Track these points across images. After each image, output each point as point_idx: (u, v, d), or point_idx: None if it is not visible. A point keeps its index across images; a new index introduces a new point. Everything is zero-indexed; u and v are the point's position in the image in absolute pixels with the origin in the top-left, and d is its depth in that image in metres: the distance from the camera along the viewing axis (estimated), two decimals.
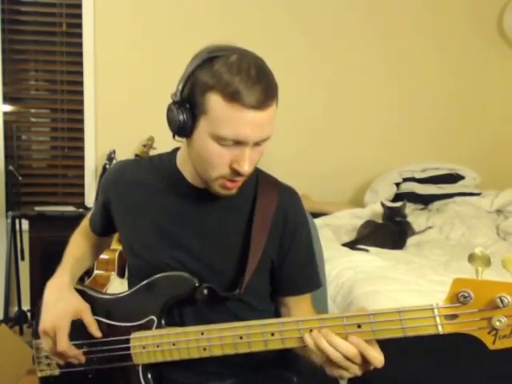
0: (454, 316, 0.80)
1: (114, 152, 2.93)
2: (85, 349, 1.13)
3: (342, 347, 0.85)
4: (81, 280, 1.27)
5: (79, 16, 3.06)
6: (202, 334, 0.98)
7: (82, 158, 3.17)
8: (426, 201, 3.13)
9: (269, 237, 1.08)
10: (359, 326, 0.85)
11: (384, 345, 0.86)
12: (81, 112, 3.13)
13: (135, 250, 1.15)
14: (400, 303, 1.58)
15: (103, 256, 2.57)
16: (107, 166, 2.86)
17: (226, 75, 0.92)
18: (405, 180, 3.19)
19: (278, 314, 1.19)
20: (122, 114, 3.14)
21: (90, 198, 3.10)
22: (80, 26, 3.06)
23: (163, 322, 1.07)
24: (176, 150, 1.16)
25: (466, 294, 0.78)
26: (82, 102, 3.11)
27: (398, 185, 3.18)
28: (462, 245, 2.57)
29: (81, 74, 3.09)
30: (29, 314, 2.95)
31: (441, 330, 0.81)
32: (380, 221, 2.70)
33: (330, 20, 3.27)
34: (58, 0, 3.07)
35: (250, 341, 0.94)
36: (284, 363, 1.17)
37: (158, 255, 1.11)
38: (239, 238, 1.09)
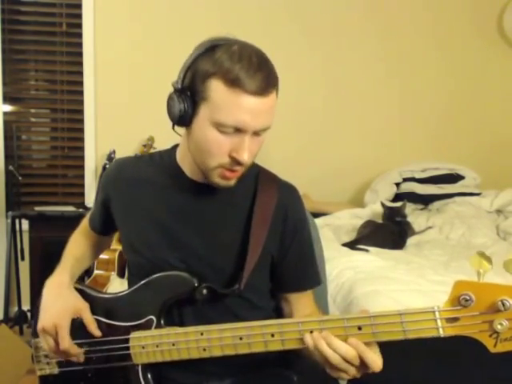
0: (455, 319, 0.80)
1: (113, 152, 2.93)
2: (84, 348, 1.12)
3: (341, 349, 0.85)
4: (81, 280, 1.27)
5: (79, 16, 3.05)
6: (202, 334, 0.98)
7: (82, 158, 3.16)
8: (425, 201, 3.13)
9: (269, 233, 1.08)
10: (360, 328, 0.85)
11: (385, 347, 0.86)
12: (81, 112, 3.13)
13: (136, 248, 1.14)
14: (400, 303, 1.59)
15: (103, 256, 2.57)
16: (107, 166, 2.86)
17: (228, 62, 0.92)
18: (405, 180, 3.19)
19: (278, 311, 1.19)
20: (122, 114, 3.14)
21: (89, 198, 3.10)
22: (80, 26, 3.06)
23: (162, 321, 1.07)
24: (175, 146, 1.16)
25: (468, 297, 0.78)
26: (82, 102, 3.11)
27: (398, 185, 3.18)
28: (462, 245, 2.57)
29: (81, 74, 3.09)
30: (29, 314, 2.94)
31: (442, 333, 0.81)
32: (380, 221, 2.70)
33: (330, 20, 3.26)
34: (58, 0, 3.06)
35: (250, 342, 0.94)
36: (284, 362, 1.17)
37: (160, 253, 1.11)
38: (239, 234, 1.09)
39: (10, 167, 2.89)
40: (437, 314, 0.81)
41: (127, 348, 1.08)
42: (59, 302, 1.11)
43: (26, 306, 2.95)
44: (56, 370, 1.18)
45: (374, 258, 2.16)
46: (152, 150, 2.92)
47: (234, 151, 0.97)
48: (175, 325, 1.07)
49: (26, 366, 2.24)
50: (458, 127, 3.43)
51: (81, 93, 3.11)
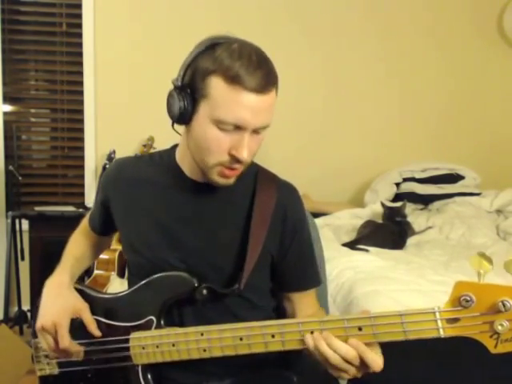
0: (456, 320, 0.80)
1: (113, 152, 2.93)
2: (84, 348, 1.12)
3: (341, 350, 0.85)
4: (81, 280, 1.27)
5: (79, 16, 3.05)
6: (202, 334, 0.98)
7: (82, 158, 3.16)
8: (425, 201, 3.13)
9: (268, 233, 1.08)
10: (360, 329, 0.85)
11: (385, 347, 0.86)
12: (81, 112, 3.13)
13: (136, 248, 1.14)
14: (400, 303, 1.59)
15: (103, 256, 2.57)
16: (107, 166, 2.86)
17: (228, 60, 0.93)
18: (405, 180, 3.19)
19: (278, 311, 1.19)
20: (122, 114, 3.13)
21: (89, 198, 3.09)
22: (80, 26, 3.06)
23: (162, 322, 1.07)
24: (175, 146, 1.16)
25: (468, 298, 0.78)
26: (82, 102, 3.11)
27: (398, 185, 3.17)
28: (462, 245, 2.57)
29: (81, 74, 3.09)
30: (29, 314, 2.94)
31: (442, 334, 0.81)
32: (380, 221, 2.70)
33: (330, 20, 3.26)
34: (58, 0, 3.06)
35: (250, 342, 0.94)
36: (284, 363, 1.17)
37: (160, 253, 1.11)
38: (238, 233, 1.09)
39: (10, 167, 2.89)
40: (437, 314, 0.81)
41: (127, 348, 1.08)
42: (59, 301, 1.11)
43: (26, 306, 2.94)
44: (56, 371, 1.18)
45: (374, 258, 2.16)
46: (152, 150, 2.92)
47: (234, 149, 0.97)
48: (175, 325, 1.07)
49: (26, 366, 2.23)
50: (458, 127, 3.43)
51: (81, 93, 3.10)
